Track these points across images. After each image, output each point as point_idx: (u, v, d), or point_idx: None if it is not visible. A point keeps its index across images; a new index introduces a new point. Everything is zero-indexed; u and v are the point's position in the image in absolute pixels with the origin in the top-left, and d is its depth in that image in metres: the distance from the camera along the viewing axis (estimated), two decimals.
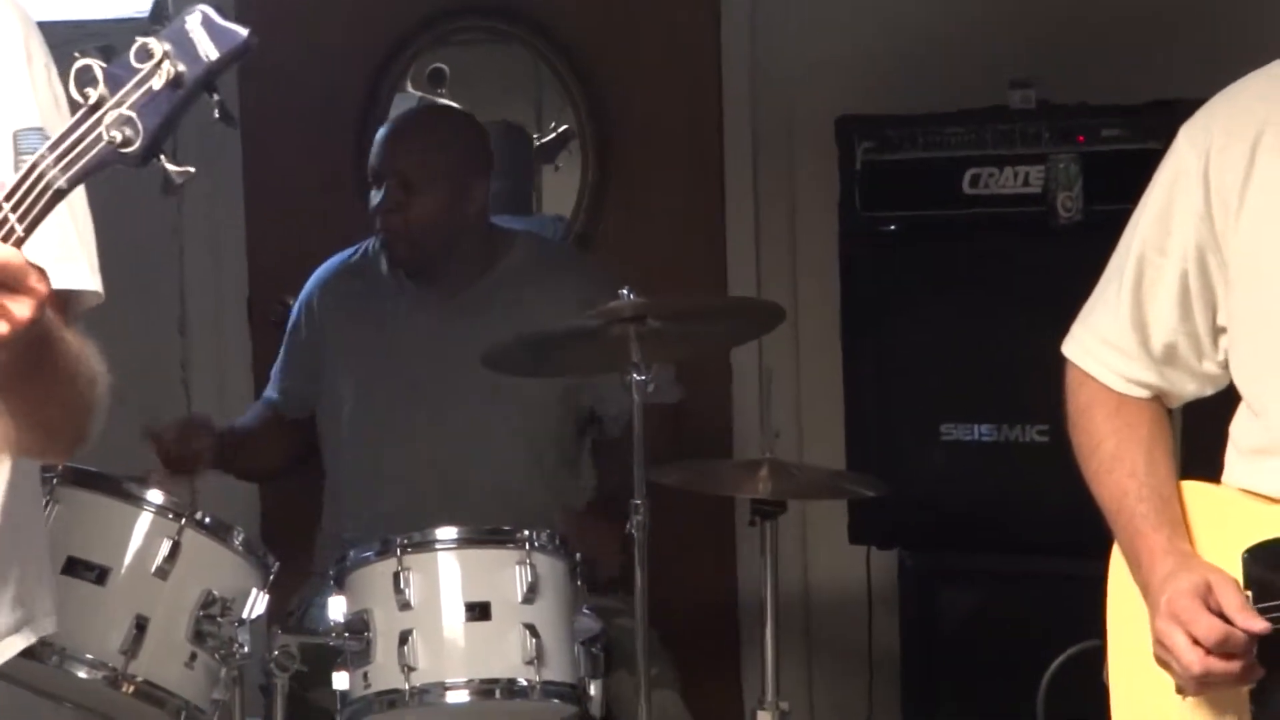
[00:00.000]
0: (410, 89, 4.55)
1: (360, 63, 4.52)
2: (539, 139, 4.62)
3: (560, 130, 4.59)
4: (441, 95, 4.51)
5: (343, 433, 3.93)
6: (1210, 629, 2.05)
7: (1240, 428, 2.22)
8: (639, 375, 3.27)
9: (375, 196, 3.86)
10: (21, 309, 1.70)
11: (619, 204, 4.54)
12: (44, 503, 3.03)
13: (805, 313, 4.29)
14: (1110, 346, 2.28)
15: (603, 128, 4.52)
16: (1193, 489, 2.24)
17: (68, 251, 1.95)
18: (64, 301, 1.96)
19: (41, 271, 1.73)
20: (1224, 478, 2.25)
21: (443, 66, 4.55)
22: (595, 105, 4.52)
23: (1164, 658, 2.13)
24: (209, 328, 4.58)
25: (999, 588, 3.76)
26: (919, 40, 4.23)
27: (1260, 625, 2.05)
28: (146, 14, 4.65)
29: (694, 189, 4.50)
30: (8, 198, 1.69)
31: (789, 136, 4.43)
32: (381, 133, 3.97)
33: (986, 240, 3.88)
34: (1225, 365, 2.23)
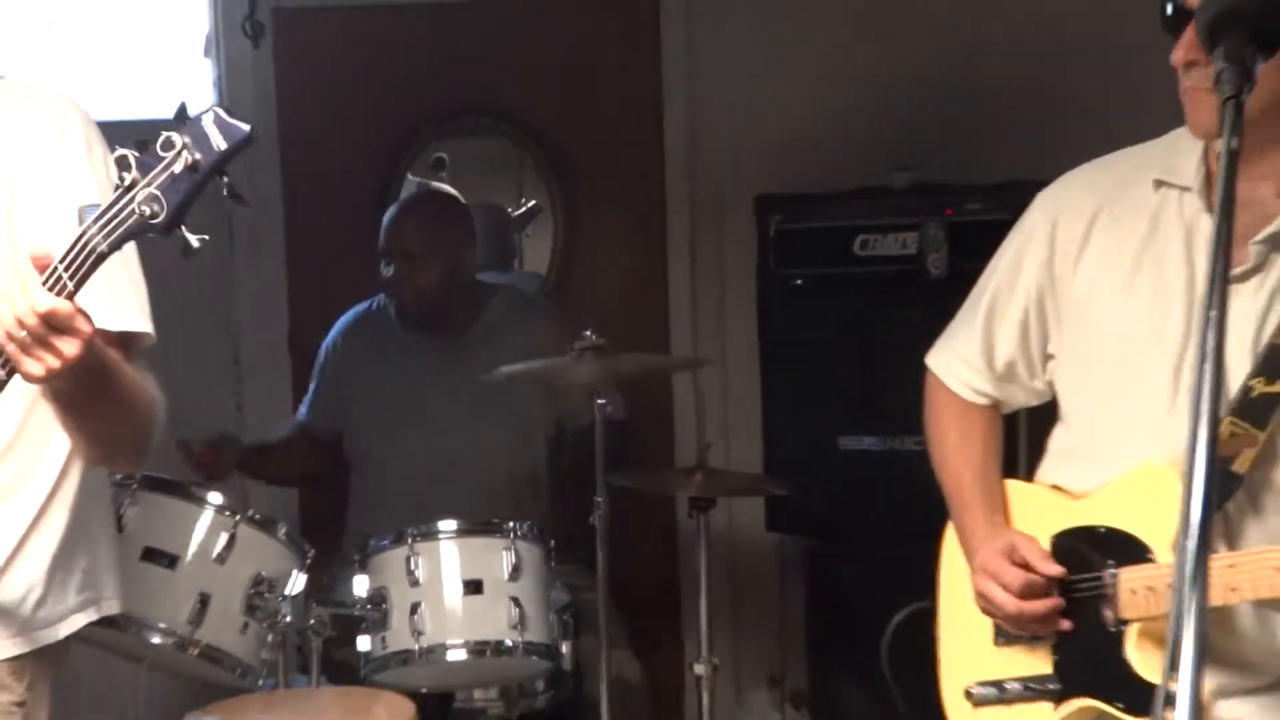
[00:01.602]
0: (410, 177, 4.51)
1: (378, 150, 4.49)
2: (513, 212, 4.63)
3: (529, 205, 4.57)
4: (442, 179, 4.49)
5: (365, 448, 3.92)
6: (1015, 577, 2.08)
7: (1056, 433, 2.23)
8: (599, 399, 3.30)
9: (385, 270, 3.87)
10: (70, 347, 1.75)
11: (584, 262, 4.55)
12: (124, 504, 3.05)
13: (731, 348, 4.30)
14: (963, 362, 2.28)
15: (570, 203, 4.50)
16: (1014, 486, 2.24)
17: (123, 302, 1.97)
18: (125, 342, 1.97)
19: (86, 316, 1.77)
20: (1038, 475, 2.24)
21: (443, 155, 4.52)
22: (564, 185, 4.49)
23: (985, 607, 2.14)
24: (257, 361, 4.55)
25: (884, 567, 3.75)
26: (819, 134, 4.23)
27: (1054, 569, 2.08)
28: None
29: (644, 251, 4.50)
30: (61, 260, 1.73)
31: (718, 210, 4.40)
32: (386, 219, 3.95)
33: (873, 292, 3.88)
34: (1050, 384, 2.24)
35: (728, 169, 4.39)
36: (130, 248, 2.01)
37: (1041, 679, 2.11)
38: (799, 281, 3.98)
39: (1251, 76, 1.64)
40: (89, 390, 1.85)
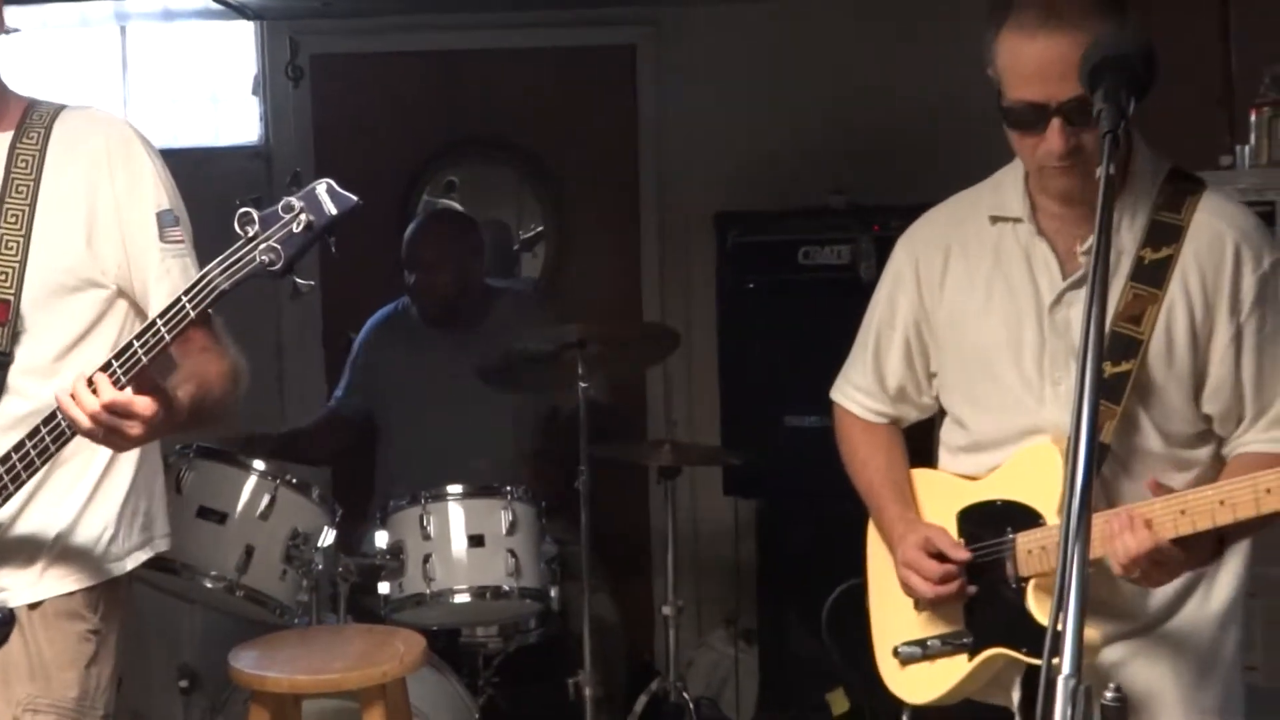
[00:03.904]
0: (426, 196, 4.52)
1: (399, 174, 4.49)
2: (523, 235, 4.62)
3: (536, 230, 4.58)
4: (453, 198, 4.50)
5: (391, 426, 3.90)
6: (933, 569, 2.06)
7: (948, 433, 2.19)
8: (583, 384, 3.29)
9: (409, 278, 3.87)
10: (134, 427, 1.81)
11: (570, 269, 4.54)
12: (183, 469, 3.03)
13: (694, 342, 4.27)
14: (861, 391, 2.25)
15: (560, 218, 4.52)
16: (922, 473, 2.22)
17: None
18: (204, 318, 1.97)
19: (152, 395, 1.82)
20: (939, 466, 2.21)
21: (454, 178, 4.54)
22: (554, 204, 4.51)
23: (909, 591, 2.13)
24: (295, 352, 4.54)
25: (821, 525, 3.73)
26: (770, 161, 4.25)
27: (963, 554, 2.06)
28: (253, 143, 4.62)
29: (621, 261, 4.51)
30: (186, 293, 1.76)
31: (683, 226, 4.43)
32: (406, 237, 3.95)
33: (813, 294, 3.88)
34: (936, 398, 2.21)
35: (692, 192, 4.40)
36: (190, 249, 2.01)
37: (957, 635, 2.09)
38: (751, 286, 3.98)
39: (1126, 115, 1.64)
40: (170, 426, 1.89)
